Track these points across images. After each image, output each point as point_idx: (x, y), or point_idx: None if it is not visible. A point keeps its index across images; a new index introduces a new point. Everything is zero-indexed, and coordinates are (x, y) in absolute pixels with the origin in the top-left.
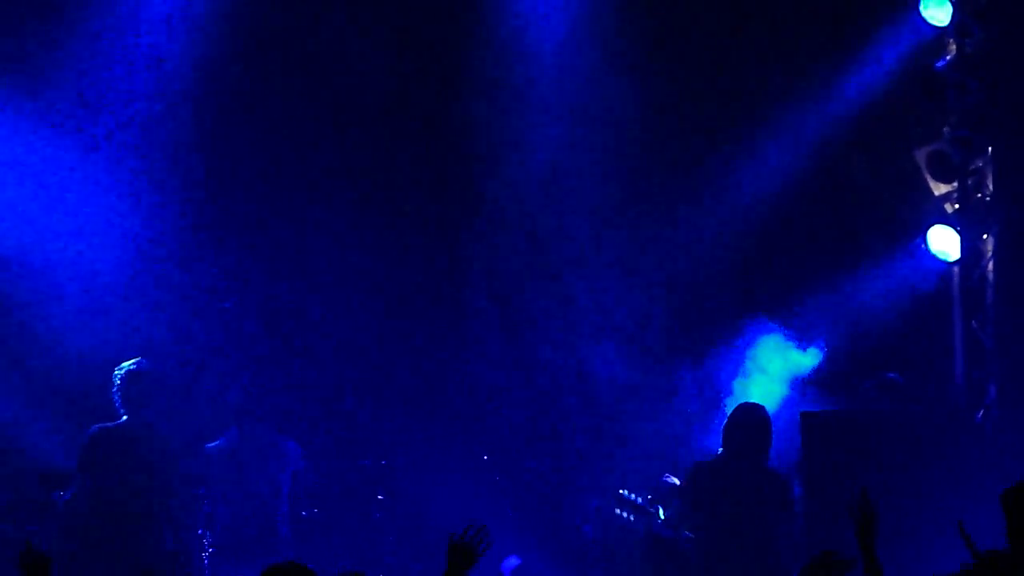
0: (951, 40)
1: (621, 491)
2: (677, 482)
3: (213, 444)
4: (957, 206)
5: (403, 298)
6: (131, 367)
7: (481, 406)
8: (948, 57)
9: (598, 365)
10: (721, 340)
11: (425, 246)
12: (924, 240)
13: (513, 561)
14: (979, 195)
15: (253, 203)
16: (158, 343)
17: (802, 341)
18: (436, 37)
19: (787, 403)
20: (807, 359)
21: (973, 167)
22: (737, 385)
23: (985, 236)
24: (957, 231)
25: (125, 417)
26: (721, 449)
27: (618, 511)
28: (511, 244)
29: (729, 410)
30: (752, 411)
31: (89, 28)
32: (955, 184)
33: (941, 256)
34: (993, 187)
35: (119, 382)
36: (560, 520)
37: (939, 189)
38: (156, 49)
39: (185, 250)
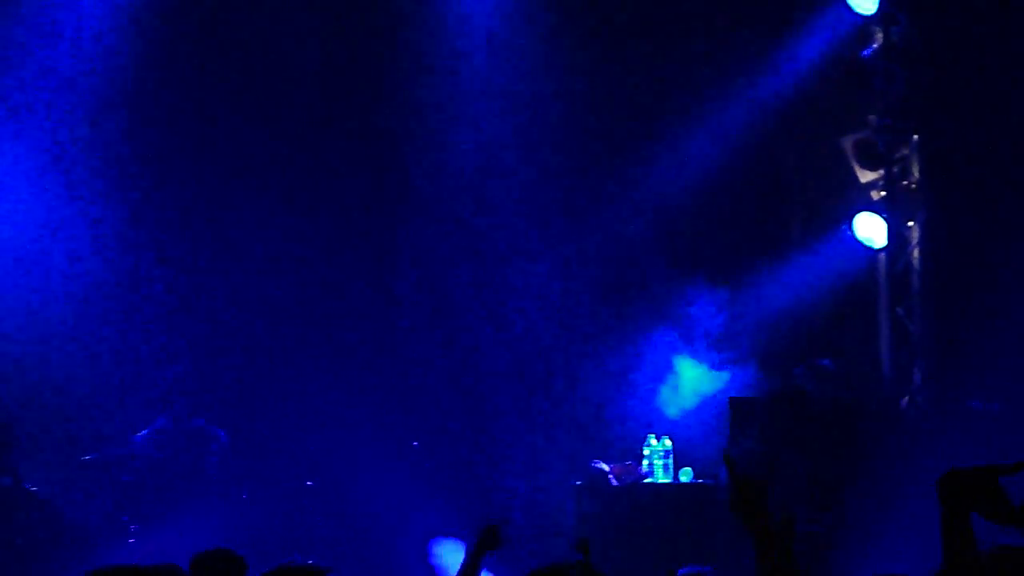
0: (877, 28)
1: None
2: (607, 468)
3: (141, 433)
4: (883, 193)
5: (332, 283)
6: None
7: (410, 391)
8: (874, 45)
9: (528, 351)
10: (650, 326)
11: (354, 232)
12: (850, 227)
13: (441, 543)
14: (905, 183)
15: (180, 189)
16: (85, 332)
17: (722, 331)
18: (368, 23)
19: (715, 389)
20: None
21: (899, 155)
22: (666, 371)
23: (911, 223)
24: (883, 218)
25: None
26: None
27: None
28: (441, 229)
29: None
30: None
31: (17, 22)
32: (881, 172)
33: (867, 243)
34: (919, 175)
35: None
36: (489, 503)
37: (865, 176)
38: (86, 40)
39: (111, 238)
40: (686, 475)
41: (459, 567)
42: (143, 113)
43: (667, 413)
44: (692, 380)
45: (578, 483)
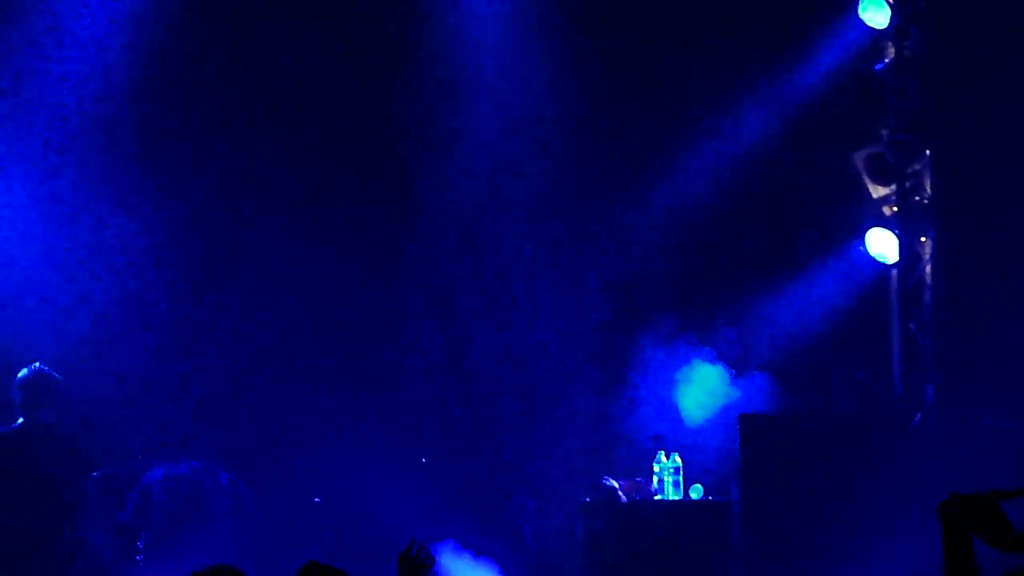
0: (889, 43)
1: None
2: (616, 484)
3: (155, 474)
4: (895, 209)
5: (339, 298)
6: (30, 371)
7: (417, 408)
8: (886, 60)
9: (535, 366)
10: (660, 341)
11: (361, 246)
12: (862, 243)
13: (447, 554)
14: (917, 198)
15: (185, 205)
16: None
17: (732, 347)
18: (374, 36)
19: (728, 403)
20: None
21: (911, 170)
22: (675, 384)
23: (923, 239)
24: (895, 234)
25: (21, 420)
26: None
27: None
28: (448, 244)
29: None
30: None
31: (24, 22)
32: (893, 187)
33: (879, 259)
34: (931, 190)
35: (18, 385)
36: (498, 520)
37: (877, 192)
38: (92, 42)
39: (115, 255)
40: (696, 492)
41: None
42: (154, 134)
43: (677, 426)
44: (702, 395)
45: (587, 500)
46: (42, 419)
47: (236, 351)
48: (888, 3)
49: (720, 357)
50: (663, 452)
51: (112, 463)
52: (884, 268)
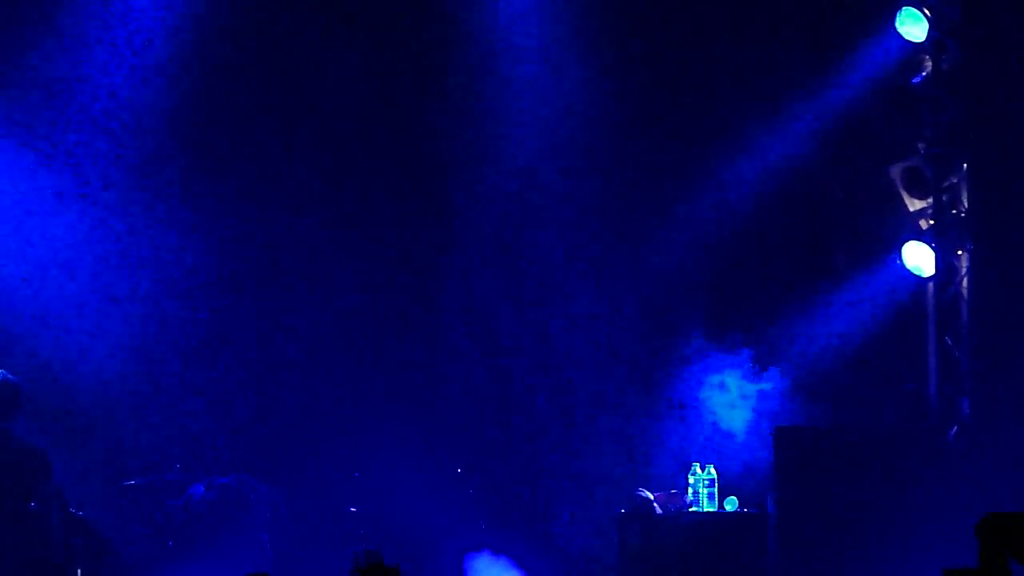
0: (927, 56)
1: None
2: (651, 496)
3: (198, 488)
4: (932, 222)
5: (376, 312)
6: None
7: (454, 418)
8: (924, 73)
9: (573, 379)
10: (696, 354)
11: (397, 259)
12: (899, 256)
13: (480, 559)
14: (954, 211)
15: (223, 218)
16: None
17: (767, 360)
18: (410, 52)
19: (759, 417)
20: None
21: (948, 183)
22: (706, 398)
23: (960, 252)
24: (932, 247)
25: None
26: None
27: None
28: (485, 257)
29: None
30: None
31: (60, 34)
32: (930, 200)
33: (916, 272)
34: (968, 203)
35: None
36: (533, 530)
37: (914, 205)
38: (129, 52)
39: (151, 266)
40: (731, 504)
41: None
42: (191, 148)
43: (714, 436)
44: (737, 407)
45: (622, 511)
46: (4, 427)
47: (274, 363)
48: (926, 17)
49: (755, 369)
50: (698, 464)
51: (151, 473)
52: (920, 281)
